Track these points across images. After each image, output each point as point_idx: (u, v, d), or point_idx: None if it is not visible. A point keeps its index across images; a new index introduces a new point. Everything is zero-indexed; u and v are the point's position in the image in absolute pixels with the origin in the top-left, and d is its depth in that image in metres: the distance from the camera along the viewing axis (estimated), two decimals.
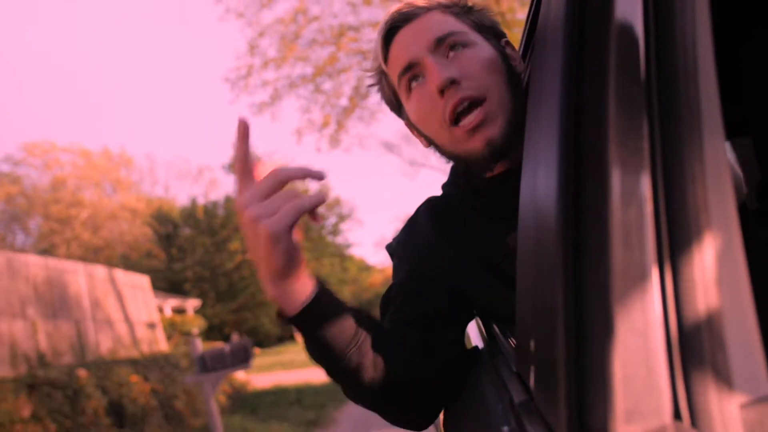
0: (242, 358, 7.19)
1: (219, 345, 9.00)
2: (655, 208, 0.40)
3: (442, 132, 0.92)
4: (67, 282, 9.04)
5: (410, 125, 1.02)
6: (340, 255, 36.26)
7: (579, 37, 0.46)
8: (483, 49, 0.93)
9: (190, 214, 30.98)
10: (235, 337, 13.72)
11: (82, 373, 6.29)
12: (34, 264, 8.32)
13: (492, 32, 0.98)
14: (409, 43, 0.93)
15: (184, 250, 29.52)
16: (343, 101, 12.97)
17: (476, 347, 1.03)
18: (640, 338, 0.39)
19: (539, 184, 0.49)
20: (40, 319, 7.83)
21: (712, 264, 0.39)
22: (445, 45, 0.91)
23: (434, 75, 0.88)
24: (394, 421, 0.91)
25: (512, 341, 0.74)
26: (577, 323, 0.40)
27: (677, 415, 0.38)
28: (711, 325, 0.39)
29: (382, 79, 1.01)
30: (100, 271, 10.42)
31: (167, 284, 26.50)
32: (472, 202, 0.99)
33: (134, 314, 11.03)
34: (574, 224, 0.42)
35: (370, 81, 1.05)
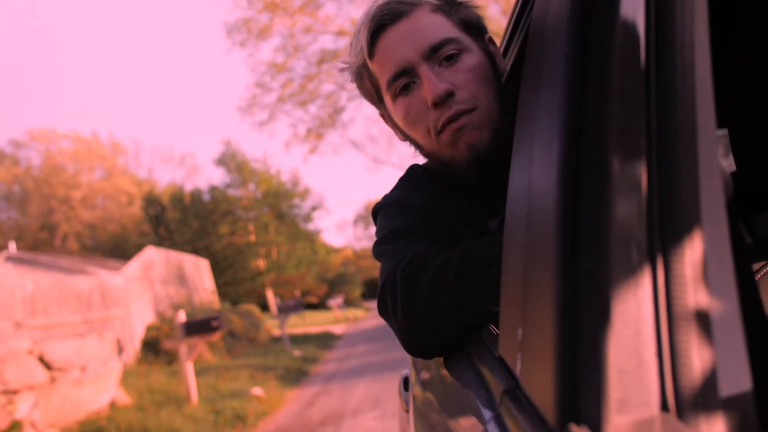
0: (299, 308, 14.81)
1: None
2: (649, 204, 0.36)
3: (429, 138, 0.83)
4: (184, 266, 16.03)
5: (388, 119, 0.92)
6: (311, 239, 36.17)
7: (582, 37, 0.42)
8: (474, 56, 0.83)
9: (178, 198, 30.54)
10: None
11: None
12: (173, 256, 15.32)
13: (477, 30, 0.87)
14: (401, 46, 0.81)
15: (171, 231, 29.11)
16: (323, 113, 15.44)
17: None
18: (632, 330, 0.35)
19: (535, 172, 0.45)
20: (178, 287, 14.83)
21: (701, 260, 0.36)
22: (439, 53, 0.81)
23: (431, 88, 0.79)
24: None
25: (491, 325, 0.70)
26: (572, 313, 0.36)
27: (665, 406, 0.35)
28: (697, 320, 0.35)
29: (363, 72, 0.89)
30: (192, 258, 17.57)
31: None
32: (454, 181, 0.89)
33: (206, 285, 18.07)
34: (572, 216, 0.37)
35: (344, 68, 0.92)
